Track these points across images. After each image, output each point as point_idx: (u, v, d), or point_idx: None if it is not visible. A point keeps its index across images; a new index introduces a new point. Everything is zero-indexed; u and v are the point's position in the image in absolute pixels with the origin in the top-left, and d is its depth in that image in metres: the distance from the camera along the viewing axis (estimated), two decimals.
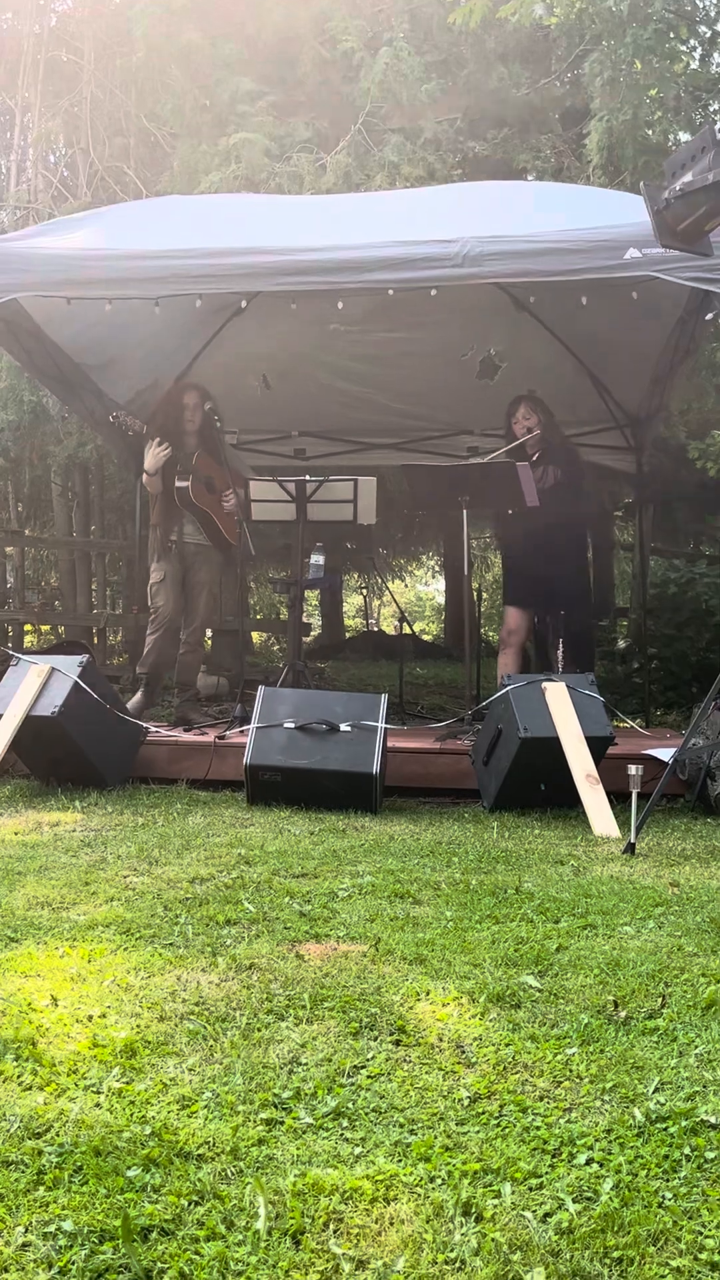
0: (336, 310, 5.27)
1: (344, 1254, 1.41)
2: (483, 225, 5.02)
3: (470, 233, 4.86)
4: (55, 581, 12.61)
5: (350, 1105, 1.79)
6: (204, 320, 6.68)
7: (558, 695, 4.61)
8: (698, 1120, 1.74)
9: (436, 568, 22.01)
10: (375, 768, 4.55)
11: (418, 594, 29.25)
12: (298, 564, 6.50)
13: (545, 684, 4.69)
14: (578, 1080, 1.89)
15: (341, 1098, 1.81)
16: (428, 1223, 1.47)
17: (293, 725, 4.68)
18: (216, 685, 7.76)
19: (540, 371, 7.27)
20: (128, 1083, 1.85)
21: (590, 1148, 1.67)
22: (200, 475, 6.25)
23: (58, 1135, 1.67)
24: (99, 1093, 1.81)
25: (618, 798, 4.26)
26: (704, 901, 3.11)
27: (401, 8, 8.71)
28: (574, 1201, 1.53)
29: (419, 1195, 1.54)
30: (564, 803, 4.51)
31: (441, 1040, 2.05)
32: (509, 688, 4.71)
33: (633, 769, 3.93)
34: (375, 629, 22.12)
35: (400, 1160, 1.63)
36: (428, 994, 2.27)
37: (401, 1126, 1.74)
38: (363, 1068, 1.93)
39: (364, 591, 25.44)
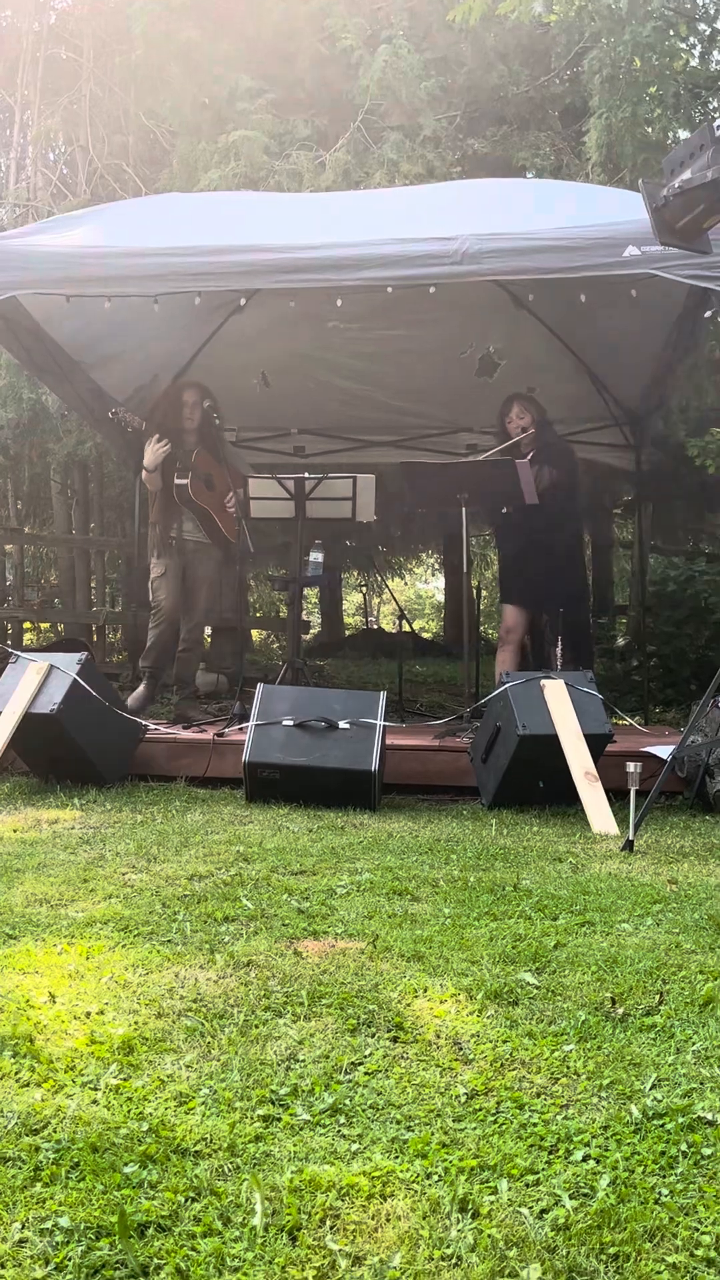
0: (335, 308, 5.26)
1: (340, 1250, 1.41)
2: (482, 223, 5.01)
3: (469, 230, 4.86)
4: (54, 579, 12.61)
5: (347, 1102, 1.79)
6: (203, 318, 6.68)
7: (556, 693, 4.61)
8: (695, 1117, 1.74)
9: (436, 565, 22.01)
10: (374, 765, 4.55)
11: (417, 592, 29.26)
12: (297, 562, 6.50)
13: (544, 681, 4.69)
14: (575, 1077, 1.89)
15: (339, 1094, 1.81)
16: (424, 1219, 1.48)
17: (291, 723, 4.68)
18: (215, 683, 7.77)
19: (539, 369, 7.27)
20: (125, 1079, 1.85)
21: (587, 1144, 1.67)
22: (199, 472, 6.25)
23: (55, 1131, 1.67)
24: (96, 1089, 1.81)
25: (616, 795, 4.26)
26: (702, 899, 3.11)
27: (400, 5, 8.70)
28: (570, 1198, 1.53)
29: (415, 1192, 1.54)
30: (562, 800, 4.51)
31: (439, 1037, 2.05)
32: (508, 685, 4.71)
33: (631, 766, 3.93)
34: (374, 627, 22.15)
35: (397, 1157, 1.63)
36: (425, 991, 2.27)
37: (398, 1123, 1.74)
38: (360, 1064, 1.93)
39: (363, 589, 25.46)
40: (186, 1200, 1.51)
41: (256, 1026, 2.08)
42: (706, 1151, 1.65)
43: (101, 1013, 2.11)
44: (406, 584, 26.47)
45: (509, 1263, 1.39)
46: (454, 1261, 1.40)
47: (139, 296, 5.19)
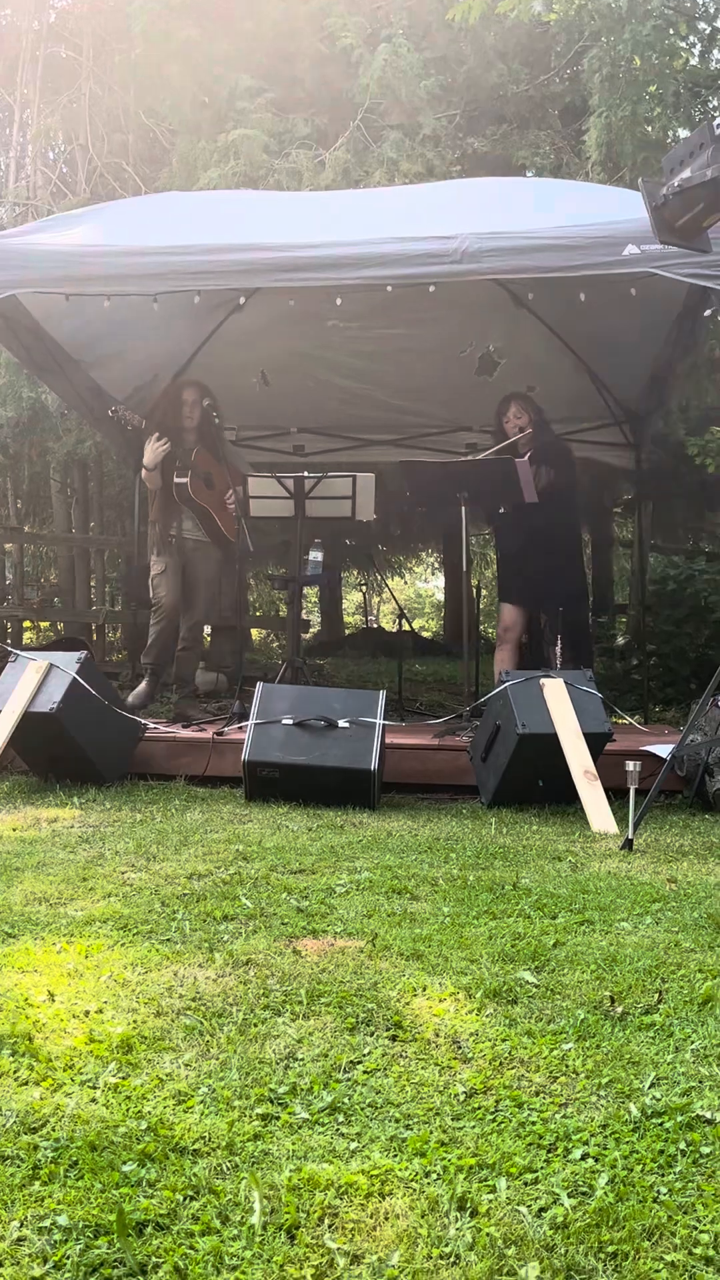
0: (335, 307, 5.26)
1: (339, 1248, 1.41)
2: (481, 221, 5.01)
3: (469, 229, 4.86)
4: (54, 578, 12.60)
5: (346, 1100, 1.79)
6: (203, 317, 6.68)
7: (556, 691, 4.61)
8: (693, 1115, 1.74)
9: (436, 564, 22.01)
10: (373, 764, 4.55)
11: (417, 590, 29.26)
12: (296, 560, 6.50)
13: (543, 680, 4.69)
14: (574, 1075, 1.89)
15: (337, 1093, 1.81)
16: (423, 1217, 1.48)
17: (291, 722, 4.68)
18: (215, 682, 7.76)
19: (539, 368, 7.27)
20: (124, 1078, 1.85)
21: (586, 1143, 1.67)
22: (199, 471, 6.25)
23: (53, 1130, 1.67)
24: (95, 1088, 1.81)
25: (616, 794, 4.26)
26: (701, 897, 3.11)
27: (400, 4, 8.70)
28: (569, 1196, 1.53)
29: (414, 1190, 1.54)
30: (562, 799, 4.51)
31: (438, 1036, 2.05)
32: (507, 684, 4.71)
33: (631, 765, 3.93)
34: (374, 626, 22.16)
35: (396, 1155, 1.63)
36: (424, 989, 2.27)
37: (397, 1122, 1.74)
38: (359, 1063, 1.93)
39: (363, 588, 25.46)
40: (185, 1199, 1.51)
41: (255, 1025, 2.08)
42: (705, 1150, 1.65)
43: (100, 1011, 2.11)
44: (406, 583, 26.47)
45: (507, 1261, 1.39)
46: (452, 1260, 1.40)
47: (138, 295, 5.19)
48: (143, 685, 6.27)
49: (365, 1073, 1.89)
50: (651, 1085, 1.85)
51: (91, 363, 6.75)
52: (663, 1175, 1.59)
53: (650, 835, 4.07)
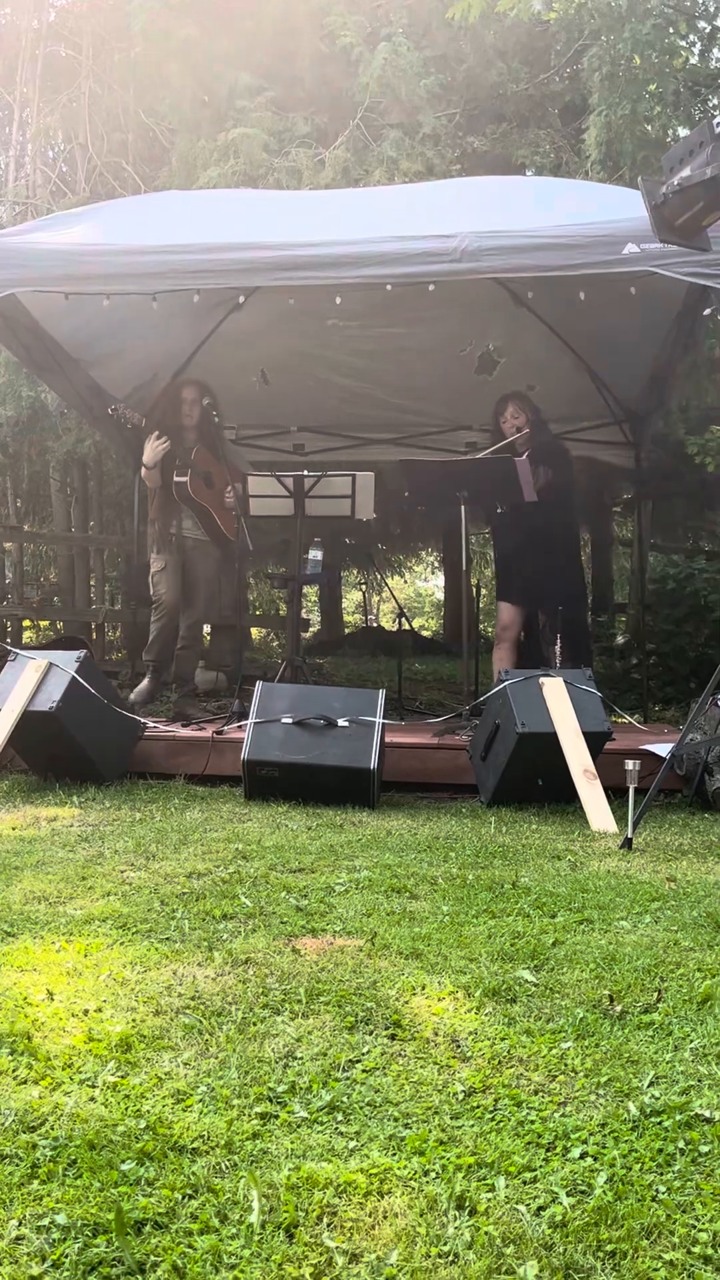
0: (335, 305, 5.26)
1: (337, 1247, 1.41)
2: (481, 220, 5.01)
3: (469, 228, 4.85)
4: (54, 577, 12.61)
5: (345, 1099, 1.79)
6: (202, 315, 6.68)
7: (555, 690, 4.61)
8: (692, 1114, 1.74)
9: (435, 563, 22.01)
10: (373, 763, 4.55)
11: (417, 590, 29.25)
12: (296, 559, 6.50)
13: (543, 679, 4.69)
14: (573, 1074, 1.89)
15: (336, 1092, 1.81)
16: (421, 1216, 1.48)
17: (290, 721, 4.68)
18: (215, 681, 7.77)
19: (539, 367, 7.27)
20: (123, 1077, 1.85)
21: (584, 1141, 1.67)
22: (199, 470, 6.25)
23: (52, 1129, 1.67)
24: (94, 1087, 1.81)
25: (615, 793, 4.26)
26: (700, 896, 3.11)
27: (400, 3, 8.70)
28: (568, 1195, 1.53)
29: (413, 1189, 1.54)
30: (561, 798, 4.51)
31: (437, 1034, 2.05)
32: (507, 683, 4.71)
33: (630, 764, 3.92)
34: (374, 624, 22.17)
35: (394, 1154, 1.63)
36: (423, 988, 2.27)
37: (396, 1120, 1.74)
38: (358, 1062, 1.93)
39: (363, 587, 25.46)
40: (184, 1197, 1.51)
41: (254, 1024, 2.08)
42: (704, 1149, 1.65)
43: (99, 1010, 2.11)
44: (406, 582, 26.47)
45: (506, 1260, 1.39)
46: (451, 1259, 1.40)
47: (138, 294, 5.19)
48: (145, 682, 6.28)
49: (364, 1071, 1.89)
50: (650, 1084, 1.85)
51: (91, 362, 6.75)
52: (661, 1174, 1.59)
53: (649, 834, 4.07)
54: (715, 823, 4.37)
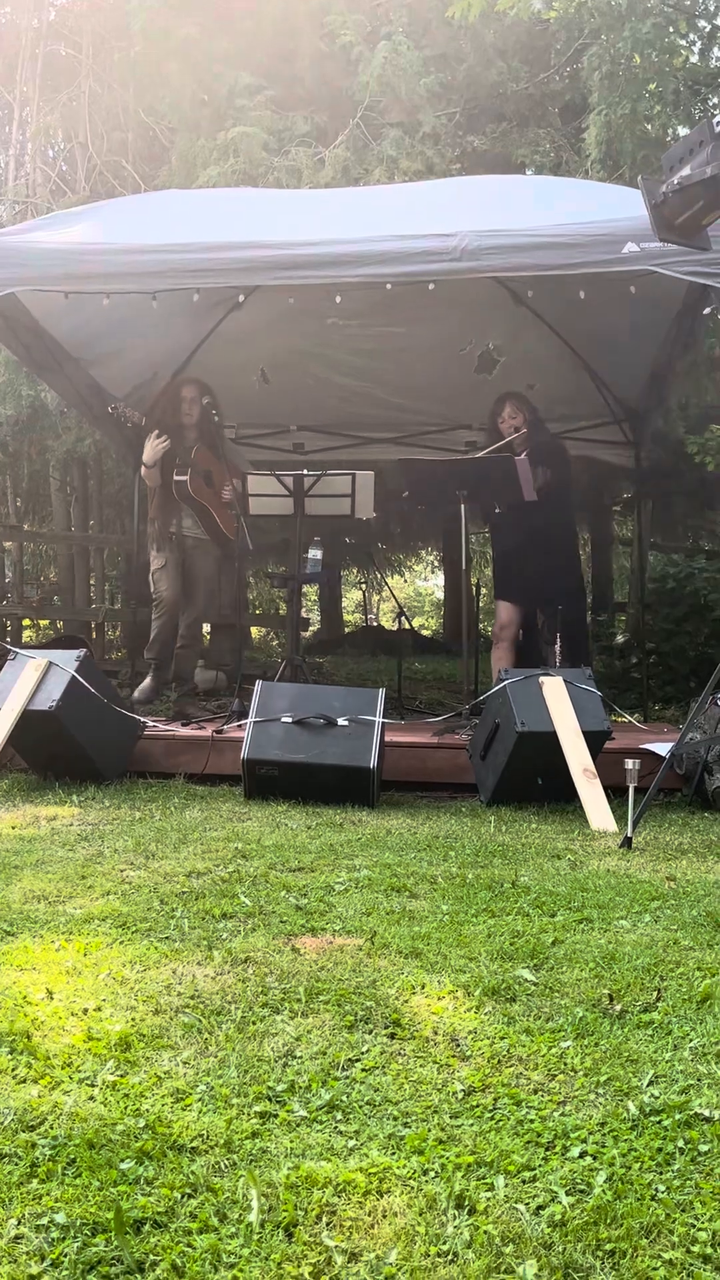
0: (334, 304, 5.27)
1: (336, 1246, 1.41)
2: (481, 219, 5.01)
3: (468, 227, 4.85)
4: (54, 576, 12.61)
5: (344, 1098, 1.79)
6: (202, 314, 6.68)
7: (555, 690, 4.61)
8: (691, 1113, 1.74)
9: (435, 562, 22.01)
10: (372, 762, 4.55)
11: (417, 589, 29.26)
12: (296, 558, 6.50)
13: (543, 679, 4.69)
14: (572, 1073, 1.89)
15: (336, 1091, 1.81)
16: (420, 1215, 1.48)
17: (290, 720, 4.68)
18: (214, 680, 7.77)
19: (538, 366, 7.27)
20: (122, 1076, 1.85)
21: (584, 1141, 1.67)
22: (198, 469, 6.25)
23: (51, 1128, 1.67)
24: (93, 1086, 1.81)
25: (615, 792, 4.26)
26: (700, 895, 3.11)
27: (400, 2, 8.71)
28: (567, 1194, 1.53)
29: (412, 1188, 1.54)
30: (561, 797, 4.51)
31: (436, 1033, 2.05)
32: (506, 682, 4.71)
33: (630, 763, 3.93)
34: (374, 624, 22.17)
35: (394, 1153, 1.63)
36: (423, 987, 2.27)
37: (395, 1119, 1.74)
38: (357, 1061, 1.93)
39: (363, 586, 25.46)
40: (183, 1196, 1.51)
41: (254, 1023, 2.08)
42: (703, 1148, 1.65)
43: (99, 1009, 2.11)
44: (406, 581, 26.48)
45: (505, 1259, 1.39)
46: (450, 1258, 1.40)
47: (138, 293, 5.19)
48: (147, 680, 6.29)
49: (364, 1070, 1.89)
50: (650, 1083, 1.85)
51: (91, 361, 6.75)
52: (661, 1173, 1.59)
53: (649, 833, 4.07)
54: (715, 822, 4.37)
